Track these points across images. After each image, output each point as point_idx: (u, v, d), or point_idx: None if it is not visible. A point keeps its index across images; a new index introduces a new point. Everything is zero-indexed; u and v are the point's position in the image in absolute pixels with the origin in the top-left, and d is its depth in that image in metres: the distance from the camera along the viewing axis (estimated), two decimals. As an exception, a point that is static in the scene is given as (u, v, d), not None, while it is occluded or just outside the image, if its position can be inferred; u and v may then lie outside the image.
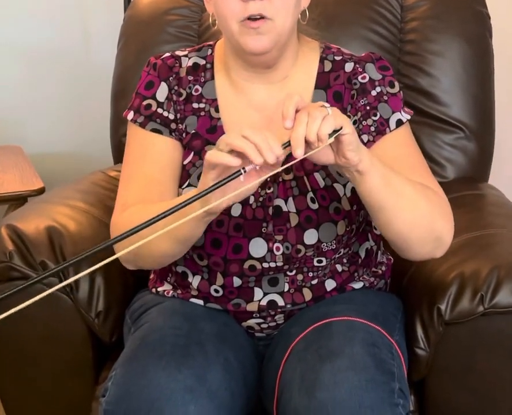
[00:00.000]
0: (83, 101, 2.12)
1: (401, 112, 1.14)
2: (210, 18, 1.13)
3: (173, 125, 1.15)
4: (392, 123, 1.13)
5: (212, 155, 0.92)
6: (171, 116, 1.15)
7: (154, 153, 1.14)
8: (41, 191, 1.64)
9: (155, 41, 1.57)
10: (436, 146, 1.52)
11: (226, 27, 1.08)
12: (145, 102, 1.16)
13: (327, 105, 0.94)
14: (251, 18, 1.05)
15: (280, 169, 0.93)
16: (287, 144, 0.93)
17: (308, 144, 0.93)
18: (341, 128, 0.93)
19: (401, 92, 1.16)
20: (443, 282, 1.14)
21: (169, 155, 1.13)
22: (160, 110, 1.15)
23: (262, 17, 1.05)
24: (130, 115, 1.16)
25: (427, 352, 1.14)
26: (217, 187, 0.87)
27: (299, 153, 0.91)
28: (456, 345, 1.14)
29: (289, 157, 1.10)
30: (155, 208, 1.06)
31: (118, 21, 1.78)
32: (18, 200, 1.65)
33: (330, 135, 0.93)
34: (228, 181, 0.88)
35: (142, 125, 1.15)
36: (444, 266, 1.16)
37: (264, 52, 1.08)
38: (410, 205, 1.03)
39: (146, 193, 1.10)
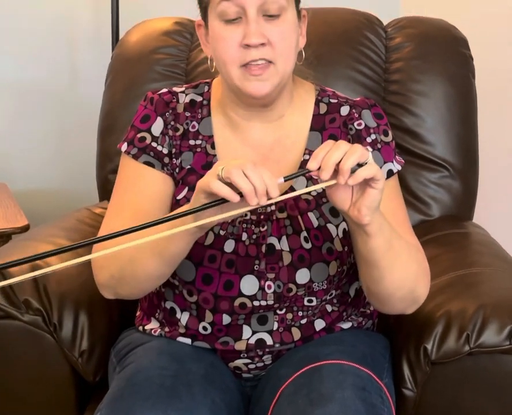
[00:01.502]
0: (68, 138, 2.13)
1: (393, 162, 1.15)
2: (208, 60, 1.14)
3: (166, 160, 1.15)
4: (383, 173, 1.14)
5: (214, 185, 0.92)
6: (165, 151, 1.16)
7: (144, 185, 1.14)
8: (25, 229, 1.63)
9: (142, 79, 1.58)
10: (421, 185, 1.54)
11: (226, 71, 1.09)
12: (139, 135, 1.16)
13: (369, 149, 0.95)
14: (252, 63, 1.06)
15: (274, 201, 0.93)
16: (292, 176, 0.94)
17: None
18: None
19: (394, 141, 1.18)
20: (429, 321, 1.14)
21: (159, 189, 1.14)
22: (154, 144, 1.16)
23: (263, 60, 1.06)
24: (124, 147, 1.17)
25: (414, 392, 1.13)
26: (211, 206, 0.91)
27: (325, 176, 0.92)
28: (443, 384, 1.13)
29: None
30: (141, 231, 1.06)
31: (105, 58, 1.79)
32: (1, 238, 1.64)
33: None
34: (222, 203, 0.91)
35: (135, 157, 1.15)
36: (430, 305, 1.17)
37: (265, 97, 1.09)
38: (402, 268, 1.05)
39: (133, 223, 1.10)
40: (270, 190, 0.91)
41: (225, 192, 0.91)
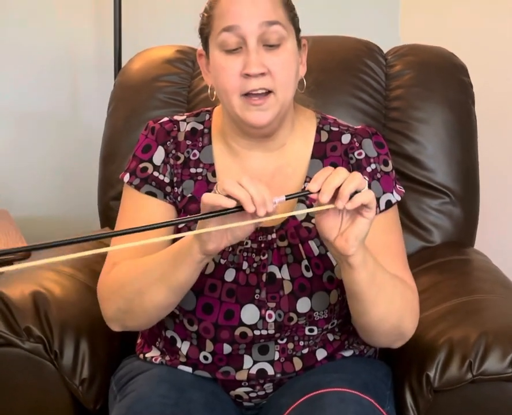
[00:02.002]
0: (70, 165, 2.13)
1: (392, 193, 1.16)
2: (209, 90, 1.15)
3: (168, 189, 1.16)
4: (382, 204, 1.14)
5: (209, 197, 0.93)
6: (167, 180, 1.16)
7: (147, 215, 1.14)
8: (26, 256, 1.63)
9: (144, 107, 1.60)
10: (422, 211, 1.54)
11: (227, 100, 1.10)
12: (141, 165, 1.17)
13: (366, 178, 0.96)
14: (252, 93, 1.07)
15: (277, 216, 0.94)
16: (290, 197, 0.95)
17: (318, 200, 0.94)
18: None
19: (394, 171, 1.18)
20: (432, 348, 1.14)
21: (162, 218, 1.14)
22: (155, 174, 1.16)
23: (264, 89, 1.07)
24: (126, 177, 1.17)
25: (417, 420, 1.13)
26: (213, 216, 0.91)
27: (324, 199, 0.93)
28: (446, 413, 1.13)
29: (285, 224, 1.12)
30: (143, 263, 1.07)
31: (107, 86, 1.81)
32: (2, 265, 1.64)
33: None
34: (225, 213, 0.92)
35: (137, 187, 1.16)
36: (432, 332, 1.16)
37: (266, 126, 1.10)
38: (386, 303, 1.05)
39: (138, 253, 1.11)
40: (267, 203, 0.92)
41: (218, 199, 0.92)
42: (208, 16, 1.11)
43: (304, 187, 1.15)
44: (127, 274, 1.09)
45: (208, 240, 0.96)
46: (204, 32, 1.13)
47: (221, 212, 0.93)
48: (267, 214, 0.93)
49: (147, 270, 1.06)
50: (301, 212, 1.01)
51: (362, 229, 0.96)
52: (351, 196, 0.94)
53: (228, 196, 0.93)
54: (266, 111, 1.08)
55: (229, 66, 1.07)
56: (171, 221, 0.97)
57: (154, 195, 1.15)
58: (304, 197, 1.12)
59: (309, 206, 1.13)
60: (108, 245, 1.24)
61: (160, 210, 1.15)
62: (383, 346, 1.13)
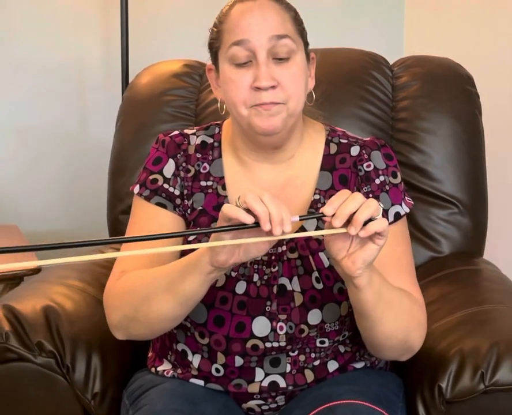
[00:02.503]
0: (79, 179, 2.15)
1: (401, 205, 1.16)
2: (219, 104, 1.16)
3: (178, 201, 1.16)
4: (390, 216, 1.15)
5: (229, 209, 0.93)
6: (177, 192, 1.17)
7: (156, 225, 1.15)
8: (37, 271, 1.64)
9: (153, 121, 1.60)
10: (431, 222, 1.54)
11: (237, 112, 1.10)
12: (151, 177, 1.17)
13: (381, 205, 0.96)
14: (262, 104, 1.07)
15: (287, 236, 0.94)
16: (303, 218, 0.95)
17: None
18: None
19: (402, 183, 1.18)
20: (443, 359, 1.13)
21: (171, 229, 1.14)
22: (165, 186, 1.17)
23: (274, 103, 1.07)
24: (136, 189, 1.18)
25: (430, 432, 1.12)
26: (228, 230, 0.92)
27: (337, 224, 0.93)
28: (459, 424, 1.12)
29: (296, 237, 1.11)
30: (152, 272, 1.07)
31: (115, 101, 1.82)
32: (13, 280, 1.65)
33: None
34: (240, 228, 0.92)
35: (147, 198, 1.16)
36: (443, 343, 1.16)
37: (275, 132, 1.10)
38: (393, 320, 1.05)
39: (146, 263, 1.11)
40: (285, 223, 0.92)
41: (237, 212, 0.92)
42: (218, 31, 1.12)
43: (313, 199, 1.16)
44: (135, 282, 1.09)
45: (220, 251, 0.96)
46: (214, 46, 1.14)
47: (236, 227, 0.92)
48: (282, 233, 0.92)
49: (155, 279, 1.06)
50: (313, 234, 1.00)
51: (371, 254, 0.96)
52: (365, 223, 0.93)
53: (247, 210, 0.93)
54: (276, 116, 1.08)
55: (239, 79, 1.08)
56: (184, 231, 0.97)
57: (164, 206, 1.16)
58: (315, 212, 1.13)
59: (320, 224, 1.13)
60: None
61: (169, 221, 1.15)
62: (390, 359, 1.13)
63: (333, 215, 0.93)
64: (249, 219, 0.91)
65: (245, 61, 1.08)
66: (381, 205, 0.96)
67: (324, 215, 0.94)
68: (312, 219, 1.04)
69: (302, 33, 1.13)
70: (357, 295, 1.00)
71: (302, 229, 1.13)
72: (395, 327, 1.05)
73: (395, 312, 1.05)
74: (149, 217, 1.16)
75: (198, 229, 0.93)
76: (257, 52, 1.07)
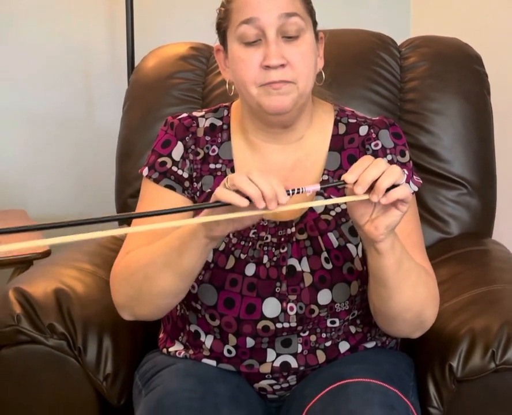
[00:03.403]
0: (86, 164, 2.15)
1: (409, 183, 1.16)
2: (227, 85, 1.15)
3: (186, 184, 1.16)
4: None
5: (222, 193, 0.93)
6: (185, 175, 1.16)
7: (164, 206, 1.14)
8: (47, 254, 1.64)
9: (160, 104, 1.60)
10: (439, 202, 1.54)
11: (246, 92, 1.10)
12: (160, 159, 1.17)
13: (405, 171, 0.95)
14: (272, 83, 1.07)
15: (286, 208, 0.93)
16: (294, 192, 0.93)
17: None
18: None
19: (411, 162, 1.18)
20: (454, 338, 1.14)
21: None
22: (174, 168, 1.17)
23: (283, 82, 1.07)
24: (145, 171, 1.18)
25: (440, 411, 1.13)
26: (224, 205, 0.92)
27: (359, 191, 0.92)
28: (469, 402, 1.13)
29: (304, 217, 1.12)
30: (151, 249, 1.07)
31: (121, 85, 1.82)
32: (23, 263, 1.65)
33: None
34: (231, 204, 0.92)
35: (156, 181, 1.16)
36: (454, 322, 1.16)
37: (285, 111, 1.10)
38: (409, 290, 1.05)
39: (150, 242, 1.11)
40: (279, 196, 0.91)
41: (231, 197, 0.92)
42: (225, 10, 1.12)
43: (322, 180, 1.16)
44: (136, 262, 1.09)
45: (215, 226, 0.96)
46: (222, 26, 1.13)
47: (226, 204, 0.93)
48: (279, 205, 0.92)
49: (154, 256, 1.06)
50: (332, 201, 0.97)
51: (394, 220, 0.95)
52: (388, 189, 0.93)
53: (238, 191, 0.93)
54: (285, 96, 1.08)
55: (249, 58, 1.08)
56: (182, 207, 0.97)
57: (173, 188, 1.16)
58: (322, 190, 1.12)
59: (328, 197, 1.13)
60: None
61: (178, 203, 1.15)
62: (402, 336, 1.13)
63: (355, 182, 0.93)
64: (243, 203, 0.91)
65: (255, 40, 1.08)
66: (405, 171, 0.95)
67: (346, 183, 0.94)
68: (333, 187, 1.02)
69: (311, 12, 1.13)
70: (379, 261, 1.00)
71: (310, 208, 1.13)
72: (412, 298, 1.05)
73: (413, 283, 1.05)
74: (157, 199, 1.16)
75: (194, 205, 0.94)
76: (266, 30, 1.07)
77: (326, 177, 1.16)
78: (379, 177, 0.93)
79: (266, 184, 0.91)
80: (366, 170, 0.93)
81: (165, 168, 1.17)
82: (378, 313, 1.10)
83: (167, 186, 1.16)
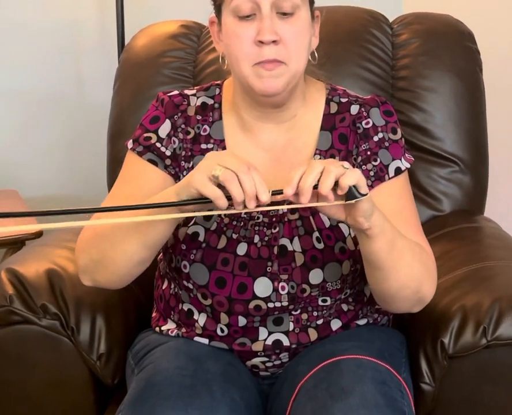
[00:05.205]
0: (78, 144, 2.13)
1: (401, 160, 1.15)
2: (220, 58, 1.14)
3: (167, 161, 1.16)
4: (391, 170, 1.14)
5: (205, 186, 0.94)
6: (168, 153, 1.16)
7: (143, 180, 1.15)
8: (39, 235, 1.64)
9: (150, 83, 1.59)
10: (432, 180, 1.54)
11: (238, 69, 1.09)
12: (145, 134, 1.17)
13: (346, 164, 0.94)
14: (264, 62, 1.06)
15: (263, 209, 0.95)
16: (279, 192, 0.94)
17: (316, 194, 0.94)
18: (359, 194, 0.92)
19: (403, 139, 1.18)
20: (445, 315, 1.14)
21: (158, 186, 1.13)
22: (158, 145, 1.16)
23: (276, 61, 1.06)
24: (130, 144, 1.18)
25: (433, 387, 1.13)
26: (197, 203, 0.95)
27: (303, 200, 0.93)
28: (461, 379, 1.13)
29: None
30: (121, 214, 1.06)
31: (111, 64, 1.80)
32: (15, 244, 1.65)
33: (348, 198, 0.92)
34: (207, 202, 0.94)
35: (140, 154, 1.16)
36: (445, 299, 1.17)
37: (277, 93, 1.09)
38: (405, 269, 1.05)
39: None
40: (260, 194, 0.92)
41: (215, 196, 0.93)
42: None
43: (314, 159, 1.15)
44: (104, 226, 1.08)
45: (185, 210, 0.97)
46: None
47: (207, 201, 0.94)
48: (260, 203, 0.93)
49: (123, 223, 1.05)
50: (294, 206, 0.99)
51: (363, 208, 0.95)
52: (336, 183, 0.92)
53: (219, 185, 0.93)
54: (277, 78, 1.07)
55: (242, 33, 1.07)
56: (155, 203, 0.97)
57: (155, 163, 1.15)
58: None
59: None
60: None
61: (159, 178, 1.15)
62: (401, 312, 1.13)
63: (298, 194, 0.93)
64: (224, 205, 0.93)
65: (249, 14, 1.07)
66: (346, 164, 0.94)
67: (287, 195, 0.94)
68: (279, 200, 1.00)
69: None
70: (370, 246, 1.00)
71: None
72: (408, 276, 1.06)
73: (407, 262, 1.05)
74: (139, 172, 1.15)
75: (170, 202, 0.95)
76: (261, 4, 1.06)
77: (317, 157, 1.15)
78: (319, 181, 0.92)
79: (250, 183, 0.92)
80: (302, 179, 0.93)
81: (149, 142, 1.16)
82: (377, 294, 1.10)
83: (149, 160, 1.15)
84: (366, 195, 0.94)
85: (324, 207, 0.97)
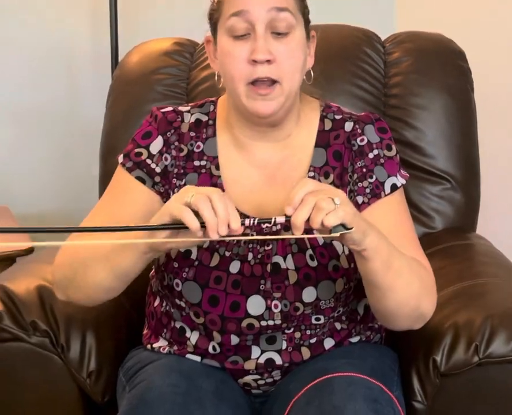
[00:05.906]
0: (70, 160, 2.13)
1: (396, 176, 1.16)
2: (216, 77, 1.14)
3: (157, 179, 1.16)
4: (387, 187, 1.14)
5: (181, 212, 0.94)
6: (158, 170, 1.16)
7: (130, 198, 1.15)
8: (29, 251, 1.63)
9: (144, 100, 1.59)
10: (424, 197, 1.54)
11: (233, 88, 1.09)
12: (136, 150, 1.17)
13: (337, 200, 0.94)
14: (258, 81, 1.07)
15: (236, 238, 0.97)
16: (267, 220, 0.95)
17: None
18: (345, 227, 0.93)
19: (398, 155, 1.18)
20: (437, 332, 1.14)
21: (145, 205, 1.13)
22: (148, 161, 1.16)
23: (270, 80, 1.07)
24: (121, 158, 1.18)
25: (424, 405, 1.13)
26: (169, 228, 0.95)
27: (297, 234, 0.94)
28: (453, 396, 1.13)
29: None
30: (99, 237, 1.06)
31: (105, 80, 1.80)
32: (6, 261, 1.64)
33: (335, 229, 0.94)
34: (181, 229, 0.94)
35: (129, 170, 1.16)
36: (437, 316, 1.16)
37: (271, 115, 1.10)
38: (404, 287, 1.05)
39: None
40: (231, 222, 0.92)
41: (193, 225, 0.93)
42: (218, 1, 1.11)
43: (308, 177, 1.15)
44: (79, 245, 1.08)
45: (158, 235, 0.97)
46: (213, 17, 1.12)
47: (180, 226, 0.94)
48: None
49: (97, 247, 1.05)
50: (285, 237, 1.03)
51: (354, 237, 0.96)
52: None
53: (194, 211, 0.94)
54: (271, 101, 1.08)
55: (237, 52, 1.07)
56: (131, 226, 0.98)
57: (143, 181, 1.15)
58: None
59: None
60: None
61: (145, 197, 1.15)
62: (403, 329, 1.12)
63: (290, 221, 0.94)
64: (199, 234, 0.93)
65: (244, 33, 1.07)
66: (337, 201, 0.94)
67: (280, 222, 0.95)
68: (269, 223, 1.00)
69: (304, 10, 1.12)
70: (367, 266, 1.01)
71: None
72: (407, 294, 1.05)
73: (405, 279, 1.05)
74: (126, 188, 1.15)
75: (141, 226, 0.97)
76: (256, 24, 1.06)
77: (312, 174, 1.15)
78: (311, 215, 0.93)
79: (224, 210, 0.93)
80: (294, 214, 0.93)
81: (139, 158, 1.16)
82: (376, 312, 1.10)
83: (138, 177, 1.15)
84: (351, 229, 0.94)
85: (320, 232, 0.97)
